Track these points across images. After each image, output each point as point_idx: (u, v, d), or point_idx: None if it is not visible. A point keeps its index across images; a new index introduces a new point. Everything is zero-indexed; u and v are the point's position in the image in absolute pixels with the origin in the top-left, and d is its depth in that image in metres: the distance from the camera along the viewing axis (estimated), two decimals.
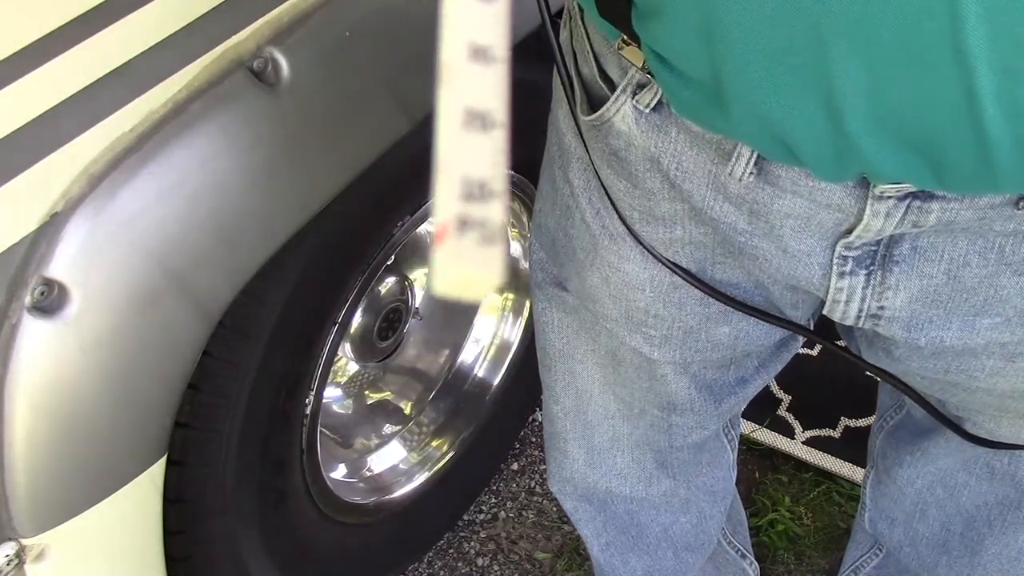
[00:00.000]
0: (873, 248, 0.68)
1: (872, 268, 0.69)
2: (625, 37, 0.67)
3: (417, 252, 1.52)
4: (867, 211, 0.64)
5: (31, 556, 0.91)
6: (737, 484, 1.25)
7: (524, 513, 1.68)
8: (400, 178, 1.18)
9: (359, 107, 1.03)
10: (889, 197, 0.63)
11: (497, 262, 0.32)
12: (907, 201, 0.63)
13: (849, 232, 0.67)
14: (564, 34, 0.80)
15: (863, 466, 1.63)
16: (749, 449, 1.71)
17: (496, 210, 0.33)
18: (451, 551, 1.65)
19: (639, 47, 0.65)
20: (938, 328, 0.72)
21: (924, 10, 0.49)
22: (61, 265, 0.85)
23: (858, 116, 0.54)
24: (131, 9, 0.84)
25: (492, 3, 0.36)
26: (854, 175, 0.61)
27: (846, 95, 0.53)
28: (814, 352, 1.76)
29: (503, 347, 1.59)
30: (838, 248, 0.68)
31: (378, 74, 1.04)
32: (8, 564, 0.90)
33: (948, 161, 0.56)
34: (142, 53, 0.86)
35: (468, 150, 0.34)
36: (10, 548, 0.90)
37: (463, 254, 0.32)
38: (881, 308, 0.72)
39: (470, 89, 0.35)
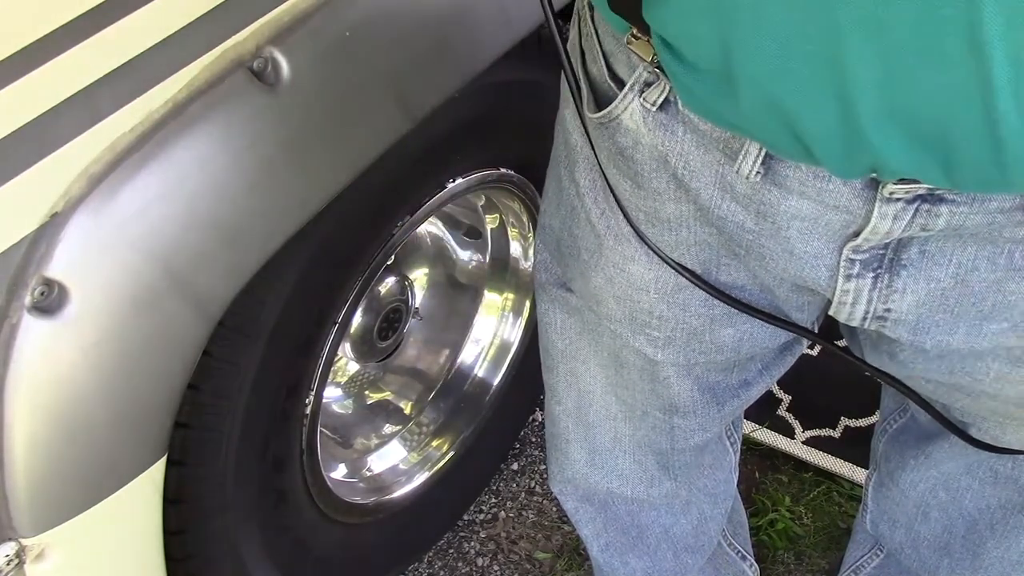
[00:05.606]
0: (881, 252, 0.68)
1: (879, 271, 0.69)
2: (635, 31, 0.67)
3: (417, 252, 1.52)
4: (875, 213, 0.64)
5: (31, 556, 0.91)
6: (737, 485, 1.24)
7: (524, 513, 1.68)
8: (400, 178, 1.18)
9: (359, 107, 1.02)
10: (897, 199, 0.62)
11: None
12: (916, 204, 0.62)
13: (857, 234, 0.66)
14: (573, 34, 0.79)
15: (863, 466, 1.63)
16: (749, 449, 1.71)
17: None
18: (451, 551, 1.64)
19: (649, 41, 0.64)
20: (944, 332, 0.71)
21: None
22: (61, 265, 0.85)
23: (870, 107, 0.53)
24: (131, 9, 0.84)
25: None
26: (864, 169, 0.60)
27: (858, 85, 0.53)
28: (814, 352, 1.76)
29: (503, 347, 1.59)
30: (845, 251, 0.68)
31: (378, 74, 1.03)
32: (8, 564, 0.90)
33: (959, 157, 0.55)
34: (142, 53, 0.86)
35: None
36: (10, 548, 0.90)
37: None
38: (888, 310, 0.71)
39: None
